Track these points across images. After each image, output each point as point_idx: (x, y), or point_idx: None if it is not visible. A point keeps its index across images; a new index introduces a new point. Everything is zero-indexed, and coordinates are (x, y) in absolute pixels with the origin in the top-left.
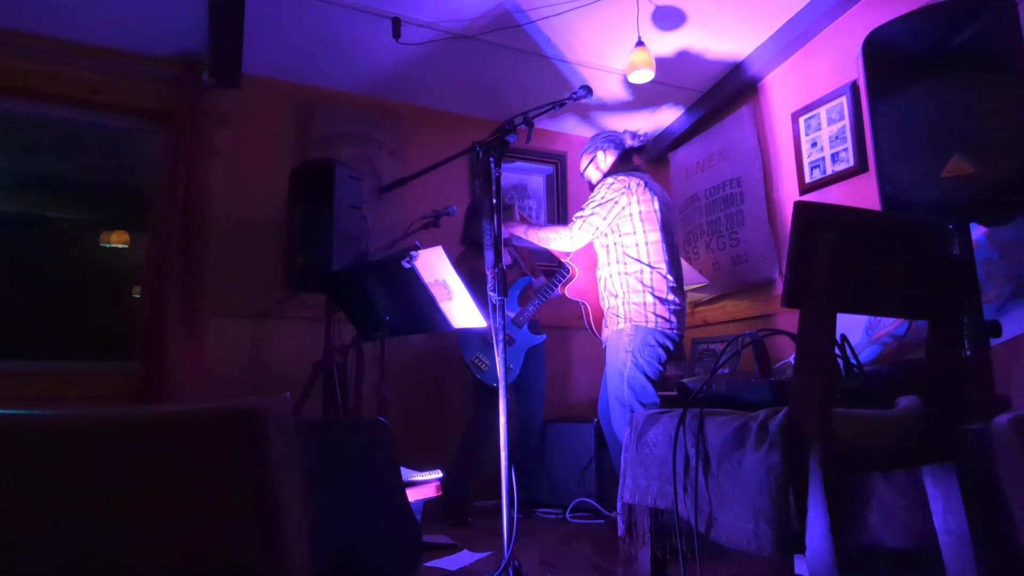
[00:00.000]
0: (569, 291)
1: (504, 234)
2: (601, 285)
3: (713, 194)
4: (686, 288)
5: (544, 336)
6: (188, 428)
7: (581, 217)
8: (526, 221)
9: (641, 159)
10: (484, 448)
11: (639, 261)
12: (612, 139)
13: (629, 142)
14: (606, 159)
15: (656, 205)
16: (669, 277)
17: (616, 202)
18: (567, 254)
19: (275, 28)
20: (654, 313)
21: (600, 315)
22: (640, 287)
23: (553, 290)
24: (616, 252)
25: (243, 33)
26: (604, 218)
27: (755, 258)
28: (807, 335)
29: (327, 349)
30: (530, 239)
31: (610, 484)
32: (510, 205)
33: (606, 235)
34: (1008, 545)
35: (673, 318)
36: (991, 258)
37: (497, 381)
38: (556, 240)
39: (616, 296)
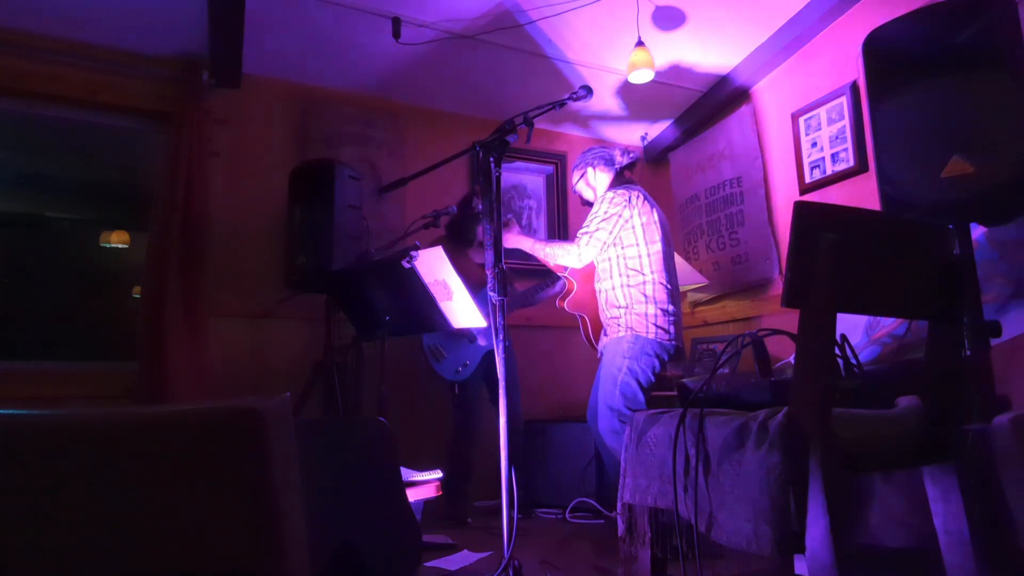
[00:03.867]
0: (568, 304)
1: (509, 247)
2: (602, 298)
3: (713, 194)
4: (686, 288)
5: (507, 342)
6: (188, 428)
7: (587, 233)
8: (529, 236)
9: (632, 174)
10: (472, 446)
11: (641, 273)
12: (603, 156)
13: (619, 159)
14: (596, 176)
15: (656, 216)
16: (669, 287)
17: (620, 215)
18: (565, 268)
19: (275, 28)
20: (655, 324)
21: (599, 328)
22: (643, 298)
23: (536, 295)
24: (619, 265)
25: (243, 33)
26: (610, 232)
27: (755, 258)
28: (807, 335)
29: (327, 349)
30: (535, 254)
31: (610, 484)
32: (507, 221)
33: (608, 248)
34: (1008, 545)
35: (672, 328)
36: (991, 258)
37: (452, 375)
38: (563, 256)
39: (620, 307)
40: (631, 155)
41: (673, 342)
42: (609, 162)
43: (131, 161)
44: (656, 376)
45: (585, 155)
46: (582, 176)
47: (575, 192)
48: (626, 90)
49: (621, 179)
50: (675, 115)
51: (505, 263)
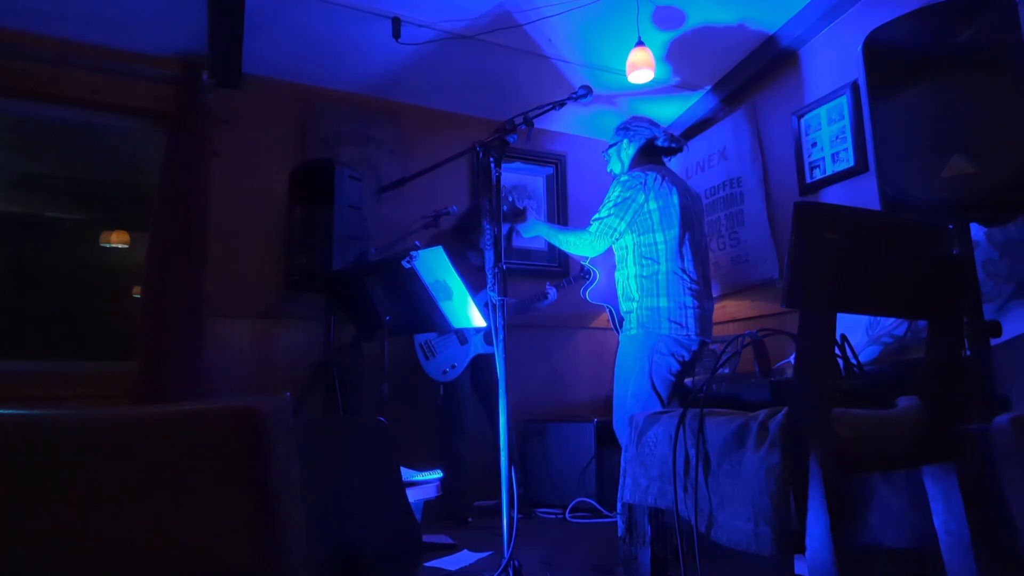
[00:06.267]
0: (592, 295)
1: (529, 236)
2: (619, 288)
3: (713, 194)
4: None
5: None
6: (188, 428)
7: (598, 219)
8: (546, 221)
9: (663, 154)
10: (462, 445)
11: (656, 262)
12: (640, 132)
13: (659, 140)
14: (628, 149)
15: (675, 199)
16: (687, 278)
17: (633, 200)
18: (585, 257)
19: (275, 28)
20: (668, 319)
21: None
22: (655, 291)
23: (532, 307)
24: (634, 253)
25: (243, 33)
26: (622, 219)
27: (755, 258)
28: (807, 335)
29: (327, 349)
30: (552, 240)
31: (610, 484)
32: (522, 209)
33: (625, 235)
34: (1008, 545)
35: (691, 323)
36: (991, 258)
37: (439, 375)
38: (576, 244)
39: (632, 300)
40: (675, 143)
41: (694, 337)
42: (643, 138)
43: (131, 161)
44: (675, 376)
45: (625, 124)
46: (615, 144)
47: (608, 169)
48: (626, 91)
49: (645, 158)
50: (676, 115)
51: (505, 263)
